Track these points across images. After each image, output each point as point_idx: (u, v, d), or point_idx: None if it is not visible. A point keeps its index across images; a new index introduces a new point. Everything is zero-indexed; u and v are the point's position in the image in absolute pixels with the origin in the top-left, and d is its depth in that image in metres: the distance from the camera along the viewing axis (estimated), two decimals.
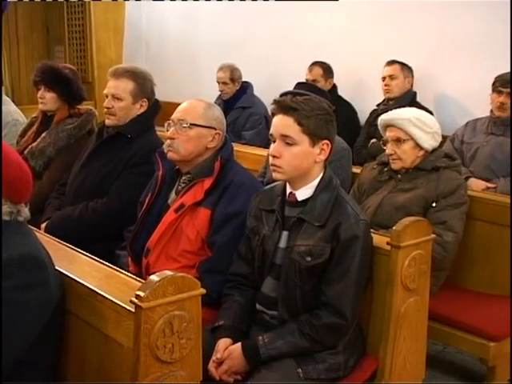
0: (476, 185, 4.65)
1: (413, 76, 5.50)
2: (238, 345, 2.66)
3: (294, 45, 6.55)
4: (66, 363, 2.40)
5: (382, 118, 3.76)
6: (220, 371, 2.62)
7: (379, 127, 3.82)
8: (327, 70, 5.94)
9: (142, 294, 2.03)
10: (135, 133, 3.79)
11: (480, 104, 5.04)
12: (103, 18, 8.27)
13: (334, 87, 5.97)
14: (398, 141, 3.63)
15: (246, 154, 4.74)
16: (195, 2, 7.58)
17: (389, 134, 3.67)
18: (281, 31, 6.71)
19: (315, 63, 5.96)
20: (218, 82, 6.45)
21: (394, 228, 2.79)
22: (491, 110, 4.89)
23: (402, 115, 3.65)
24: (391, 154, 3.66)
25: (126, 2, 8.32)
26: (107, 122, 3.83)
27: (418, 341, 2.94)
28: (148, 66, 6.44)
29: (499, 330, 3.38)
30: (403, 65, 5.48)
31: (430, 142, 3.65)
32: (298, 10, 6.55)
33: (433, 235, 2.94)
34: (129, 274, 2.46)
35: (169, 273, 2.10)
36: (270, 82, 6.48)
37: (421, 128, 3.61)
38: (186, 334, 2.11)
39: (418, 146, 3.63)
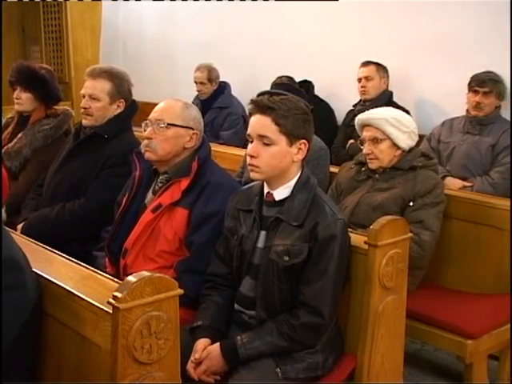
0: (453, 184, 4.68)
1: (388, 76, 5.52)
2: (217, 345, 2.65)
3: (272, 45, 6.56)
4: (43, 365, 2.38)
5: (359, 118, 3.77)
6: (198, 371, 2.62)
7: (356, 127, 3.83)
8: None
9: (119, 294, 2.02)
10: (112, 133, 3.78)
11: (456, 103, 5.07)
12: (80, 17, 8.21)
13: (311, 87, 5.97)
14: (375, 140, 3.64)
15: (224, 153, 4.74)
16: (172, 1, 7.56)
17: (366, 134, 3.69)
18: (258, 31, 6.72)
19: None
20: (196, 82, 6.44)
21: (371, 227, 2.80)
22: (467, 110, 4.93)
23: (379, 115, 3.66)
24: (368, 154, 3.68)
25: (103, 1, 8.27)
26: (84, 122, 3.82)
27: (396, 339, 2.95)
28: (125, 66, 6.40)
29: (476, 327, 3.40)
30: (378, 65, 5.49)
31: (406, 142, 3.67)
32: (275, 10, 6.55)
33: (410, 234, 2.95)
34: (106, 275, 2.44)
35: (146, 273, 2.09)
36: (247, 82, 6.48)
37: (397, 127, 3.62)
38: (164, 335, 2.10)
39: (394, 145, 3.65)
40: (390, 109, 3.86)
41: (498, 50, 5.04)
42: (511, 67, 4.61)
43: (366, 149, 3.69)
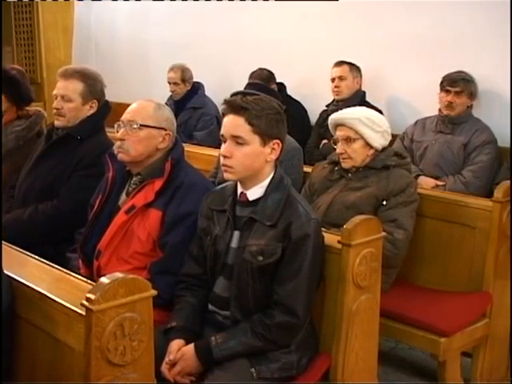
0: (425, 183, 4.72)
1: (361, 76, 5.55)
2: (191, 346, 2.65)
3: (246, 45, 6.56)
4: (16, 368, 2.36)
5: (332, 118, 3.78)
6: (173, 372, 2.62)
7: (329, 127, 3.84)
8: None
9: (92, 296, 2.01)
10: (85, 134, 3.76)
11: (429, 103, 5.11)
12: (52, 18, 8.15)
13: (283, 87, 5.97)
14: (348, 140, 3.65)
15: (198, 154, 4.73)
16: (145, 1, 7.53)
17: (339, 134, 3.70)
18: (232, 31, 6.71)
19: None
20: (169, 83, 6.42)
21: (344, 226, 2.81)
22: (440, 109, 4.97)
23: (352, 114, 3.68)
24: (341, 153, 3.69)
25: (75, 2, 8.22)
26: (56, 123, 3.79)
27: (370, 338, 2.97)
28: (98, 66, 6.37)
29: (449, 325, 3.43)
30: (351, 65, 5.51)
31: (379, 141, 3.68)
32: (249, 10, 6.55)
33: (383, 233, 2.96)
34: (79, 277, 2.44)
35: (119, 275, 2.08)
36: (221, 83, 6.47)
37: (370, 127, 3.64)
38: (138, 336, 2.09)
39: (367, 144, 3.66)
40: (363, 108, 3.88)
41: (470, 51, 5.08)
42: (511, 69, 4.62)
43: (339, 148, 3.70)
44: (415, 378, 4.05)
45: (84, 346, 2.03)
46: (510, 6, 4.61)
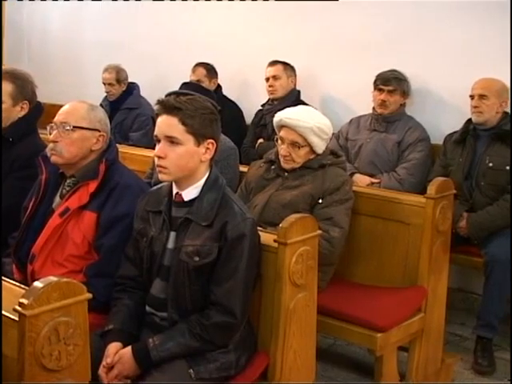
0: (361, 180, 4.79)
1: (295, 75, 5.58)
2: (129, 348, 2.63)
3: (181, 45, 6.55)
4: None
5: (283, 119, 3.68)
6: (110, 376, 2.58)
7: (275, 124, 3.78)
8: (211, 71, 5.96)
9: (25, 301, 1.97)
10: (17, 136, 3.70)
11: (363, 101, 5.18)
12: None
13: (219, 87, 5.99)
14: (296, 145, 3.64)
15: (133, 155, 4.69)
16: (78, 1, 7.44)
17: (286, 136, 3.66)
18: (167, 31, 6.69)
19: (199, 64, 5.97)
20: (104, 84, 6.36)
21: (280, 225, 2.82)
22: (373, 108, 5.03)
23: (306, 123, 3.61)
24: (286, 155, 3.68)
25: (5, 1, 8.06)
26: None
27: (308, 335, 2.99)
28: (30, 67, 6.28)
29: (385, 321, 3.47)
30: (286, 64, 5.54)
31: (323, 148, 3.70)
32: (183, 10, 6.54)
33: (319, 231, 2.99)
34: (12, 282, 2.39)
35: (53, 278, 2.05)
36: (156, 83, 6.44)
37: (319, 136, 3.64)
38: (73, 341, 2.07)
39: (312, 150, 3.68)
40: (315, 115, 3.75)
41: (403, 50, 5.17)
42: (511, 72, 4.70)
43: (283, 150, 3.67)
44: (353, 373, 4.10)
45: (17, 352, 1.99)
46: (510, 7, 4.68)
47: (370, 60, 5.30)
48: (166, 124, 2.67)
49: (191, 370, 2.61)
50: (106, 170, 3.04)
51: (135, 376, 2.62)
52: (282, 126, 3.71)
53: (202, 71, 5.93)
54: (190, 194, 2.74)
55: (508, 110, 4.55)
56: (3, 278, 2.42)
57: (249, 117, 5.85)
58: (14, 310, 1.99)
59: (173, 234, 2.74)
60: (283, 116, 3.70)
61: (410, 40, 5.17)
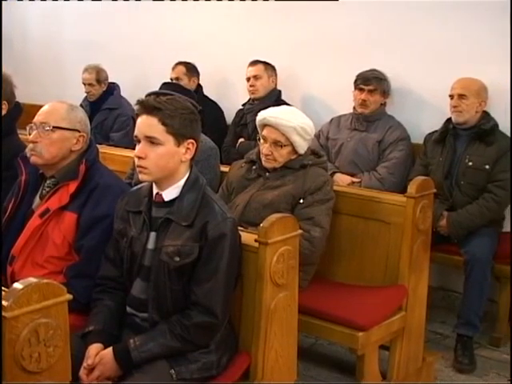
0: (341, 180, 4.80)
1: (276, 75, 5.59)
2: (110, 349, 2.62)
3: (161, 45, 6.53)
4: None
5: (266, 118, 3.68)
6: (91, 377, 2.58)
7: (257, 123, 3.78)
8: (191, 69, 5.96)
9: (5, 303, 1.97)
10: None
11: (343, 101, 5.19)
12: None
13: (200, 87, 5.99)
14: (278, 144, 3.64)
15: (114, 155, 4.67)
16: (57, 1, 7.40)
17: (269, 135, 3.66)
18: (148, 31, 6.68)
19: (179, 63, 5.97)
20: (84, 84, 6.33)
21: (261, 225, 2.82)
22: (354, 107, 5.05)
23: (289, 122, 3.62)
24: (268, 155, 3.68)
25: None
26: None
27: (289, 335, 2.99)
28: (10, 67, 6.23)
29: (366, 319, 3.47)
30: (267, 64, 5.55)
31: (305, 148, 3.70)
32: (164, 10, 6.53)
33: (300, 231, 2.99)
34: None
35: (33, 280, 2.04)
36: (137, 83, 6.42)
37: (302, 136, 3.64)
38: (54, 342, 2.06)
39: (294, 150, 3.68)
40: (298, 116, 3.75)
41: (384, 50, 5.18)
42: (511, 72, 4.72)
43: (265, 149, 3.67)
44: (335, 372, 4.11)
45: None
46: (510, 8, 4.69)
47: (351, 60, 5.32)
48: (145, 124, 2.66)
49: (172, 371, 2.61)
50: (87, 170, 3.03)
51: (116, 377, 2.61)
52: (264, 125, 3.71)
53: (181, 69, 5.93)
54: (170, 194, 2.73)
55: (487, 110, 4.58)
56: None
57: (229, 116, 5.85)
58: None
59: (153, 235, 2.73)
60: (267, 115, 3.70)
61: (391, 40, 5.19)
